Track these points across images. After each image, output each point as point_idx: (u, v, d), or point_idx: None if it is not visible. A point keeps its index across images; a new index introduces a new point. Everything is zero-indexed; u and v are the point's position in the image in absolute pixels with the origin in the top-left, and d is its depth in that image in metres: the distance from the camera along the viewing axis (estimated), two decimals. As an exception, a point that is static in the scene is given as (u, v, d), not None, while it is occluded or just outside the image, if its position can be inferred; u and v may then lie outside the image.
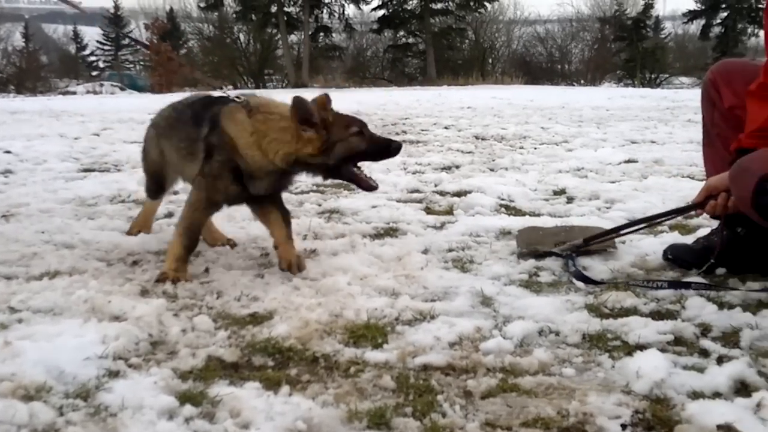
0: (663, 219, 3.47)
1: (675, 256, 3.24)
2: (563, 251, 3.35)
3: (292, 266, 3.17)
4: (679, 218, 4.22)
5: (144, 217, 3.93)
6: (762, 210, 2.60)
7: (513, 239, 3.79)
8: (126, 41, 58.41)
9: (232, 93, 3.32)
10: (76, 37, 64.24)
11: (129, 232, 3.86)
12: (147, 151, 3.66)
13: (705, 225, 3.79)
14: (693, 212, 3.20)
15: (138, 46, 57.21)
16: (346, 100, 18.10)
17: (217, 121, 3.13)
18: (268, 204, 3.29)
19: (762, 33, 3.93)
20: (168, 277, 3.02)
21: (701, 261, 3.14)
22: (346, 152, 3.05)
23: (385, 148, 3.14)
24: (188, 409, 1.89)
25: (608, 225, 4.04)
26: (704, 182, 3.06)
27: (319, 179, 3.30)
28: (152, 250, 3.55)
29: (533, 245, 3.48)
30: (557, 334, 2.45)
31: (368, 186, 3.16)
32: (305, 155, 3.03)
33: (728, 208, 2.92)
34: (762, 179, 2.55)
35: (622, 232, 3.45)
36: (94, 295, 2.77)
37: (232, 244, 3.67)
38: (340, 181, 5.05)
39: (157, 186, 3.72)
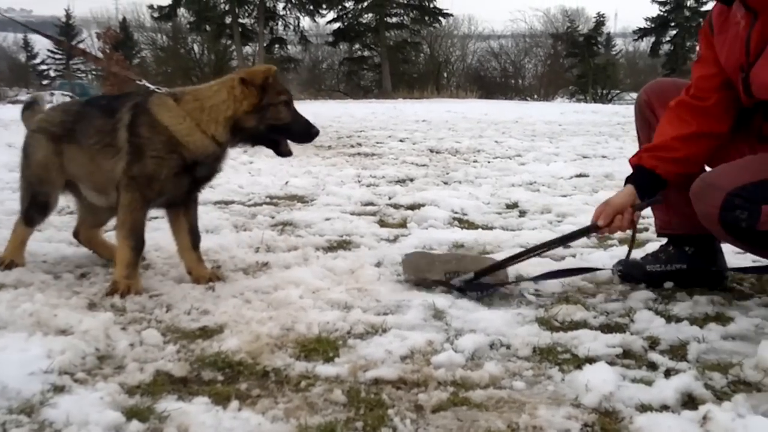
0: (560, 244, 3.30)
1: (625, 273, 3.27)
2: (454, 283, 3.10)
3: (213, 280, 3.19)
4: (629, 232, 4.28)
5: (15, 245, 3.46)
6: (728, 226, 2.64)
7: (466, 252, 3.81)
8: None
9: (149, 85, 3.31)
10: (27, 45, 63.28)
11: (0, 265, 3.35)
12: (30, 158, 3.37)
13: (654, 240, 3.84)
14: (595, 233, 3.13)
15: (91, 50, 56.42)
16: (302, 112, 17.99)
17: (143, 111, 3.08)
18: (182, 219, 3.29)
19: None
20: (119, 288, 2.96)
21: (650, 279, 3.18)
22: (273, 118, 3.11)
23: (306, 128, 3.20)
24: (135, 425, 1.85)
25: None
26: (604, 201, 3.10)
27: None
28: (100, 263, 3.50)
29: (422, 273, 3.24)
30: (508, 347, 2.46)
31: (287, 151, 3.24)
32: (242, 114, 3.07)
33: (634, 224, 3.02)
34: (730, 194, 2.60)
35: (514, 261, 3.23)
36: (40, 308, 2.71)
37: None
38: (294, 194, 5.04)
39: (44, 197, 3.37)
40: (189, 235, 3.29)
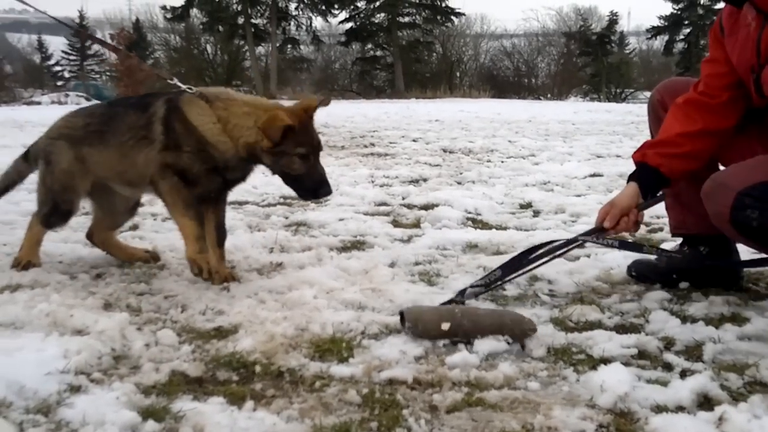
0: (566, 247, 3.17)
1: (639, 272, 3.26)
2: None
3: (229, 280, 3.18)
4: (643, 232, 4.27)
5: (30, 245, 3.47)
6: (739, 225, 2.63)
7: (480, 252, 3.81)
8: (91, 51, 57.90)
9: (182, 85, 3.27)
10: (41, 46, 63.63)
11: (17, 266, 3.39)
12: (54, 165, 3.35)
13: (668, 240, 3.83)
14: (601, 235, 3.08)
15: (104, 54, 56.62)
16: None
17: (175, 108, 3.11)
18: (210, 215, 3.29)
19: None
20: (201, 265, 3.09)
21: (664, 279, 3.17)
22: (286, 167, 3.06)
23: (314, 187, 3.12)
24: (151, 425, 1.86)
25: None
26: (608, 201, 3.11)
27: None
28: (115, 264, 3.51)
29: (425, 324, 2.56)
30: (522, 347, 2.45)
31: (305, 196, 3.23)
32: (260, 150, 3.05)
33: (638, 224, 3.03)
34: (740, 194, 2.58)
35: (526, 271, 3.10)
36: (56, 308, 2.72)
37: (156, 257, 3.60)
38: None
39: (67, 205, 3.38)
40: (215, 231, 3.30)
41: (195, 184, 3.15)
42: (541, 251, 3.14)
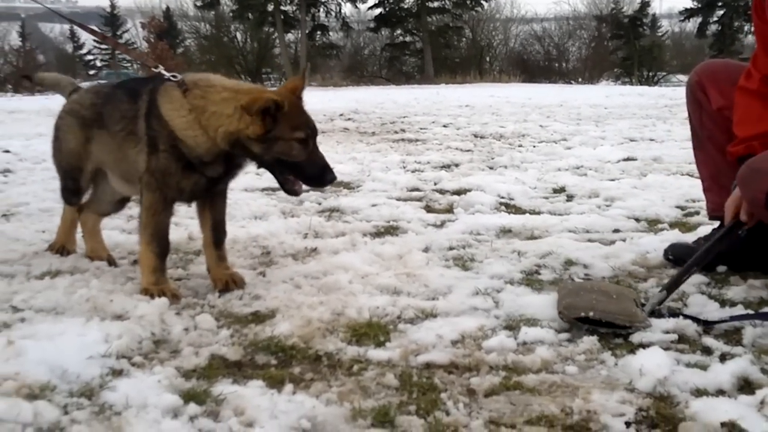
0: (717, 247, 2.87)
1: (676, 256, 3.23)
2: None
3: (229, 285, 2.95)
4: (680, 215, 4.24)
5: (65, 229, 3.50)
6: None
7: (514, 237, 3.81)
8: (122, 40, 58.29)
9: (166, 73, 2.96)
10: (73, 36, 64.15)
11: (52, 249, 3.46)
12: (61, 142, 3.29)
13: (705, 223, 3.79)
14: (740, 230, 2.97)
15: (135, 43, 56.98)
16: (344, 99, 18.11)
17: (152, 101, 2.86)
18: (206, 213, 3.06)
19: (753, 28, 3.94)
20: (151, 292, 2.81)
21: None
22: (283, 154, 2.75)
23: (320, 173, 2.82)
24: (192, 408, 1.89)
25: (609, 222, 4.06)
26: (731, 198, 2.85)
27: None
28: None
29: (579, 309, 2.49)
30: (559, 332, 2.45)
31: (293, 190, 2.86)
32: (245, 138, 2.73)
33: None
34: None
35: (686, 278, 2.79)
36: (96, 294, 2.77)
37: (112, 262, 3.37)
38: (340, 180, 5.04)
39: (74, 184, 3.32)
40: (211, 231, 3.06)
41: (181, 190, 2.89)
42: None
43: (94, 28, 4.70)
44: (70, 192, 3.36)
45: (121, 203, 3.51)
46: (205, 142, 2.79)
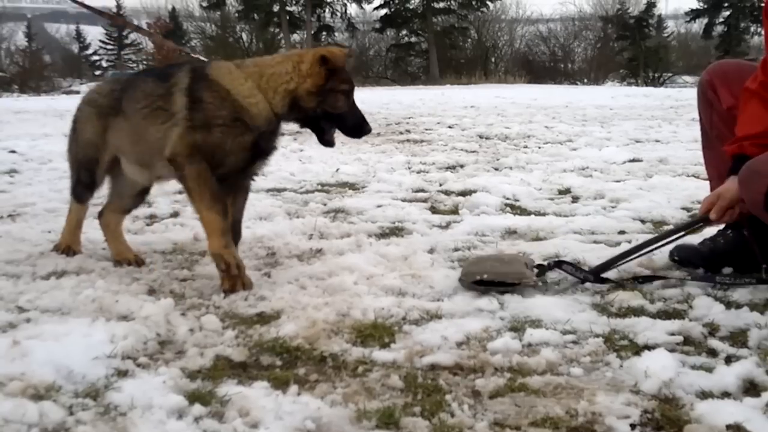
0: (667, 238, 3.16)
1: (682, 257, 3.22)
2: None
3: (237, 286, 2.92)
4: (685, 217, 4.23)
5: (70, 229, 3.50)
6: None
7: (519, 238, 3.80)
8: (128, 40, 58.45)
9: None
10: (79, 36, 64.22)
11: (57, 250, 3.46)
12: (78, 133, 3.34)
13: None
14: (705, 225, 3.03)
15: (141, 43, 57.09)
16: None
17: (202, 76, 2.98)
18: (228, 211, 3.05)
19: (763, 32, 3.94)
20: (226, 260, 2.88)
21: (708, 263, 3.13)
22: (331, 105, 3.00)
23: (359, 123, 3.09)
24: (197, 409, 1.89)
25: (615, 224, 4.06)
26: (713, 192, 3.00)
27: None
28: (159, 250, 3.56)
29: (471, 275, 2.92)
30: (564, 333, 2.45)
31: (329, 140, 3.13)
32: (303, 92, 2.96)
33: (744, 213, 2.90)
34: None
35: (622, 261, 3.09)
36: (102, 294, 2.78)
37: (141, 262, 3.34)
38: (345, 181, 5.06)
39: (89, 176, 3.35)
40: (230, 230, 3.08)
41: (221, 165, 2.96)
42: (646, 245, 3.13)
43: (109, 11, 4.74)
44: (84, 186, 3.38)
45: (141, 196, 3.51)
46: (265, 109, 2.98)
